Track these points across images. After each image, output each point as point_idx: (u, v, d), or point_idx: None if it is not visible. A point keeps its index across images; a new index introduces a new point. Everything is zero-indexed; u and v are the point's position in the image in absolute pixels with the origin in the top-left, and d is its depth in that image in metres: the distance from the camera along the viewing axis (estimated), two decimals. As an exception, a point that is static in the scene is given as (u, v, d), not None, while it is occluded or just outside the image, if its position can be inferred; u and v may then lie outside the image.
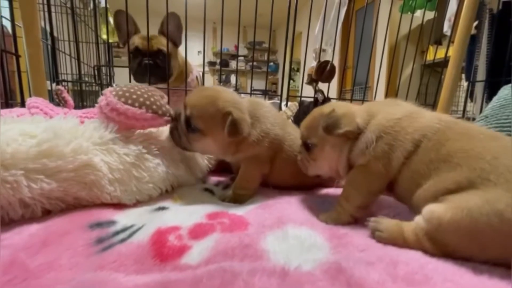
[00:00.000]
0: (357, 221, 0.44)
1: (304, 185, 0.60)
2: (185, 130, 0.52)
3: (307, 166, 0.49)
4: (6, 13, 1.00)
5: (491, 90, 1.36)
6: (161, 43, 1.13)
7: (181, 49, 1.18)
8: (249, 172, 0.55)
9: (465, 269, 0.30)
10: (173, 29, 1.15)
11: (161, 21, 1.16)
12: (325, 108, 0.46)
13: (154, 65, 1.11)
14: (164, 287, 0.26)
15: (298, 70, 4.35)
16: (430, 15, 1.90)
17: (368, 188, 0.43)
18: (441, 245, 0.32)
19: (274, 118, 0.56)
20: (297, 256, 0.33)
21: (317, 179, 0.59)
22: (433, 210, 0.33)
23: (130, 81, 1.10)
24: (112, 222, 0.40)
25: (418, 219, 0.35)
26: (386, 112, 0.43)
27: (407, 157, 0.39)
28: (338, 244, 0.37)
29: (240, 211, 0.46)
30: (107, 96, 0.50)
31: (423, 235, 0.34)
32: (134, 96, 0.50)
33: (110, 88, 0.52)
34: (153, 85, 1.12)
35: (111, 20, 1.85)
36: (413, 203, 0.38)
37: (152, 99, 0.52)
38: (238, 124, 0.47)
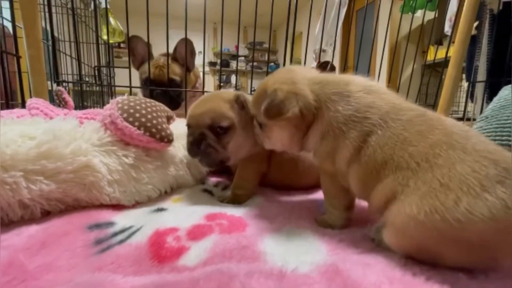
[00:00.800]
0: (354, 223, 0.44)
1: (303, 184, 0.60)
2: (215, 138, 0.50)
3: (263, 141, 0.47)
4: (7, 14, 1.00)
5: (491, 91, 1.36)
6: (173, 71, 1.14)
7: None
8: (247, 171, 0.56)
9: (463, 273, 0.30)
10: (187, 54, 1.17)
11: (175, 46, 1.19)
12: (270, 84, 0.41)
13: (167, 96, 1.12)
14: (161, 289, 0.26)
15: (298, 70, 4.34)
16: (430, 15, 1.89)
17: (336, 190, 0.42)
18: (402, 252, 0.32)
19: None
20: (295, 258, 0.33)
21: (317, 179, 0.58)
22: (387, 220, 0.33)
23: (130, 83, 1.11)
24: (110, 223, 0.40)
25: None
26: (337, 104, 0.38)
27: (349, 160, 0.36)
28: (336, 247, 0.37)
29: (238, 212, 0.46)
30: (112, 107, 0.50)
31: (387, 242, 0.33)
32: (137, 115, 0.50)
33: (118, 98, 0.52)
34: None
35: (111, 20, 1.86)
36: (372, 209, 0.37)
37: (154, 122, 0.51)
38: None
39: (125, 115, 0.49)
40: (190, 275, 0.28)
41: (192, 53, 1.20)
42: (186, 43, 1.14)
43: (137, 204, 0.49)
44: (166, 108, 0.57)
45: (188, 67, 1.20)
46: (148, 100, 0.54)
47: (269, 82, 0.42)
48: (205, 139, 0.50)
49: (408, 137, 0.33)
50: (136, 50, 1.13)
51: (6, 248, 0.32)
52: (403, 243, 0.31)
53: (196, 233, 0.38)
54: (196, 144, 0.51)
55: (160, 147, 0.52)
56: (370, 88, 0.38)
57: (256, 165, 0.56)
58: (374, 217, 0.39)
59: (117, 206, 0.46)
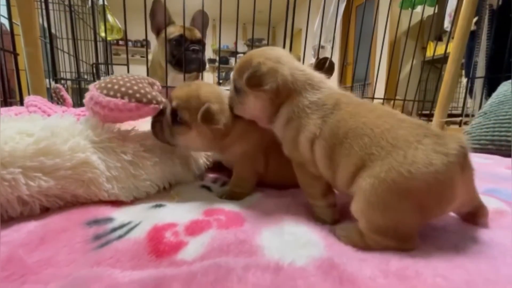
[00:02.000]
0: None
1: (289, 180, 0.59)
2: (170, 123, 0.52)
3: (234, 106, 0.51)
4: (3, 11, 0.99)
5: (490, 87, 1.36)
6: (199, 34, 1.20)
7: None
8: (243, 171, 0.56)
9: (455, 264, 0.30)
10: (198, 26, 1.21)
11: (192, 16, 1.21)
12: (256, 56, 0.45)
13: (199, 53, 1.18)
14: (159, 283, 0.26)
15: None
16: (430, 10, 1.89)
17: (308, 178, 0.44)
18: (381, 232, 0.34)
19: None
20: (292, 252, 0.33)
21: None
22: (353, 205, 0.36)
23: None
24: (109, 219, 0.40)
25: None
26: (305, 94, 0.43)
27: (312, 142, 0.40)
28: (333, 242, 0.37)
29: (236, 207, 0.47)
30: (91, 90, 0.49)
31: (367, 232, 0.35)
32: (116, 87, 0.48)
33: (94, 83, 0.51)
34: (191, 73, 1.17)
35: (109, 17, 1.84)
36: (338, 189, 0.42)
37: (135, 87, 0.49)
38: (213, 113, 0.48)
39: (105, 91, 0.48)
40: (188, 269, 0.28)
41: (206, 25, 1.26)
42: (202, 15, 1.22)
43: (135, 200, 0.49)
44: (146, 77, 0.55)
45: (204, 44, 1.27)
46: (125, 74, 0.53)
47: (255, 54, 0.46)
48: (162, 118, 0.53)
49: (359, 112, 0.39)
50: (157, 14, 1.16)
51: (5, 244, 0.32)
52: (369, 207, 0.33)
53: (194, 228, 0.38)
54: (157, 115, 0.53)
55: (152, 111, 0.51)
56: (333, 87, 0.46)
57: (251, 164, 0.56)
58: (342, 194, 0.42)
59: (116, 202, 0.47)
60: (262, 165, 0.56)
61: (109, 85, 0.49)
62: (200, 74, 1.31)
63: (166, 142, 0.54)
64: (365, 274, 0.29)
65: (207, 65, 1.44)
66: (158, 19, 1.17)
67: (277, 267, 0.29)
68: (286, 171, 0.56)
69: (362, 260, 0.32)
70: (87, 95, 0.49)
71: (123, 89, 0.48)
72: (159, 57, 1.22)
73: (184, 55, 1.14)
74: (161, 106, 0.51)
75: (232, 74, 0.50)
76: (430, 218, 0.37)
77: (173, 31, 1.17)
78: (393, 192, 0.32)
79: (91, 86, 0.50)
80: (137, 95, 0.48)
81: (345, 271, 0.29)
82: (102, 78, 0.54)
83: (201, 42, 1.21)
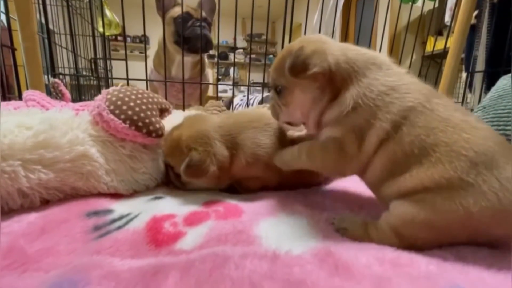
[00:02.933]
0: (350, 210, 0.45)
1: (301, 183, 0.56)
2: (175, 177, 0.52)
3: (278, 112, 0.44)
4: (1, 5, 0.99)
5: (490, 81, 1.36)
6: (204, 14, 1.19)
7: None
8: (250, 185, 0.54)
9: (449, 254, 0.31)
10: (207, 11, 1.20)
11: (198, 1, 1.21)
12: (295, 44, 0.39)
13: (205, 28, 1.17)
14: (157, 270, 0.27)
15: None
16: (430, 5, 1.87)
17: (332, 166, 0.39)
18: (410, 240, 0.32)
19: (262, 135, 0.51)
20: (289, 241, 0.34)
21: (315, 179, 0.57)
22: (405, 210, 0.32)
23: (127, 75, 1.10)
24: (109, 211, 0.41)
25: (386, 215, 0.34)
26: (374, 75, 0.35)
27: (383, 140, 0.33)
28: (330, 232, 0.37)
29: (235, 200, 0.47)
30: (101, 97, 0.49)
31: (390, 230, 0.33)
32: (124, 107, 0.48)
33: (110, 89, 0.51)
34: (197, 53, 1.16)
35: (107, 12, 1.83)
36: (381, 193, 0.36)
37: (141, 115, 0.48)
38: (196, 165, 0.45)
39: (112, 107, 0.47)
40: (186, 257, 0.29)
41: (213, 11, 1.24)
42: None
43: (135, 193, 0.50)
44: (161, 100, 0.55)
45: (209, 23, 1.25)
46: (141, 91, 0.53)
47: (294, 43, 0.40)
48: (168, 173, 0.53)
49: (459, 124, 0.31)
50: None
51: (6, 234, 0.33)
52: (440, 228, 0.31)
53: (193, 219, 0.38)
54: (165, 168, 0.54)
55: (148, 142, 0.51)
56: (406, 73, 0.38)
57: (259, 182, 0.53)
58: (383, 203, 0.37)
59: (115, 195, 0.47)
60: (272, 181, 0.53)
61: (119, 103, 0.48)
62: (205, 64, 1.30)
63: (185, 190, 0.52)
64: (361, 262, 0.29)
65: (206, 61, 1.42)
66: (163, 0, 1.16)
67: (274, 255, 0.29)
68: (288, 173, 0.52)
69: (358, 249, 0.33)
70: (96, 101, 0.49)
71: (129, 112, 0.48)
72: (166, 39, 1.20)
73: (191, 32, 1.11)
74: (157, 141, 0.51)
75: (269, 78, 0.44)
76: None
77: (178, 10, 1.17)
78: (467, 224, 0.29)
79: (104, 93, 0.50)
80: (139, 123, 0.48)
81: (341, 259, 0.29)
82: (120, 85, 0.53)
83: (206, 21, 1.20)
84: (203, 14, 1.17)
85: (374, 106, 0.34)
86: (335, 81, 0.36)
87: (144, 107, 0.50)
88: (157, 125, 0.50)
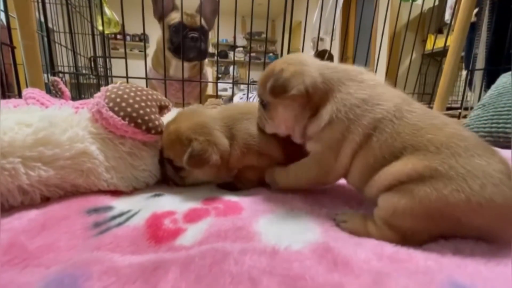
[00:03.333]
0: (349, 205, 0.45)
1: None
2: (173, 171, 0.51)
3: (264, 124, 0.48)
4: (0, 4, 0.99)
5: (489, 79, 1.36)
6: (200, 22, 1.17)
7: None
8: (247, 175, 0.54)
9: (447, 249, 0.31)
10: (209, 13, 1.18)
11: (199, 3, 1.19)
12: (277, 65, 0.42)
13: (198, 42, 1.15)
14: (157, 266, 0.27)
15: (297, 61, 4.30)
16: (430, 3, 1.87)
17: (312, 180, 0.44)
18: (400, 230, 0.33)
19: (254, 126, 0.52)
20: (288, 237, 0.34)
21: None
22: (388, 200, 0.34)
23: (126, 73, 1.10)
24: (109, 208, 0.41)
25: (376, 209, 0.36)
26: (348, 90, 0.39)
27: (357, 150, 0.37)
28: (329, 228, 0.38)
29: (235, 197, 0.47)
30: (101, 94, 0.49)
31: (382, 223, 0.34)
32: (123, 104, 0.47)
33: (110, 86, 0.51)
34: (190, 62, 1.15)
35: (106, 10, 1.83)
36: (365, 193, 0.39)
37: (141, 112, 0.48)
38: (199, 155, 0.45)
39: (111, 104, 0.47)
40: (186, 253, 0.29)
41: (214, 13, 1.23)
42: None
43: (135, 190, 0.50)
44: (161, 97, 0.55)
45: (209, 25, 1.23)
46: (140, 88, 0.53)
47: (277, 63, 0.43)
48: (164, 167, 0.53)
49: (424, 127, 0.35)
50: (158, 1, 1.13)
51: (7, 231, 0.33)
52: (420, 214, 0.32)
53: (193, 216, 0.39)
54: (160, 164, 0.53)
55: (147, 139, 0.50)
56: (380, 82, 0.41)
57: (256, 172, 0.53)
58: (369, 200, 0.39)
59: (115, 192, 0.47)
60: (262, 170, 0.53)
61: (118, 100, 0.48)
62: (204, 63, 1.30)
63: (182, 185, 0.53)
64: (360, 257, 0.29)
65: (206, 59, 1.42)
66: (161, 4, 1.14)
67: (273, 251, 0.30)
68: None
69: (357, 244, 0.33)
70: (96, 98, 0.49)
71: (128, 109, 0.47)
72: (161, 44, 1.21)
73: (183, 42, 1.12)
74: (156, 138, 0.50)
75: (257, 90, 0.48)
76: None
77: (174, 17, 1.16)
78: (452, 214, 0.31)
79: (103, 90, 0.50)
80: (139, 120, 0.47)
81: (340, 254, 0.29)
82: (119, 82, 0.52)
83: (203, 30, 1.18)
84: (198, 21, 1.16)
85: (347, 120, 0.37)
86: (313, 100, 0.40)
87: (143, 104, 0.49)
88: (157, 122, 0.50)
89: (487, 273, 0.28)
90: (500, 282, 0.27)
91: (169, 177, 0.53)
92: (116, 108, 0.47)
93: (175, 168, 0.51)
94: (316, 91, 0.39)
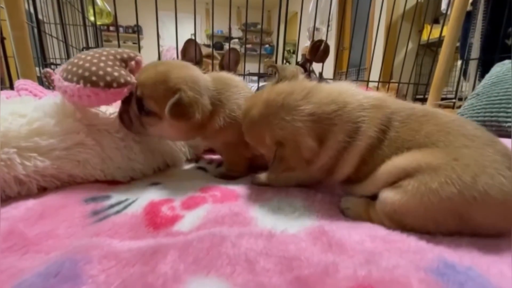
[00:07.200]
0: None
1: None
2: (137, 113, 0.46)
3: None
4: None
5: (484, 68, 1.36)
6: None
7: (172, 33, 1.16)
8: (231, 157, 0.54)
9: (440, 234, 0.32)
10: (231, 60, 1.27)
11: (223, 55, 1.29)
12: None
13: None
14: (156, 250, 0.28)
15: (294, 52, 4.27)
16: (427, -8, 1.85)
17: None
18: (400, 225, 0.33)
19: (241, 98, 0.50)
20: (284, 222, 0.35)
21: None
22: (387, 195, 0.34)
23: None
24: (106, 197, 0.41)
25: (378, 203, 0.35)
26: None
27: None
28: (325, 214, 0.38)
29: (232, 185, 0.48)
30: (59, 70, 0.45)
31: (382, 214, 0.35)
32: (74, 69, 0.42)
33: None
34: None
35: (98, 1, 1.78)
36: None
37: (93, 68, 0.42)
38: (185, 105, 0.42)
39: (64, 74, 0.43)
40: (184, 238, 0.30)
41: (237, 62, 1.30)
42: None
43: (132, 180, 0.50)
44: (121, 50, 0.47)
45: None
46: (100, 51, 0.45)
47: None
48: (128, 109, 0.47)
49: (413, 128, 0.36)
50: (188, 51, 1.20)
51: (5, 219, 0.33)
52: (413, 208, 0.32)
53: (190, 203, 0.39)
54: (124, 103, 0.47)
55: (114, 96, 0.43)
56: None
57: (237, 151, 0.52)
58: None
59: (113, 182, 0.47)
60: (249, 150, 0.51)
61: (69, 67, 0.43)
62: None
63: (138, 133, 0.49)
64: (354, 239, 0.30)
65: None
66: (187, 55, 1.20)
67: (270, 234, 0.30)
68: None
69: (352, 228, 0.34)
70: (53, 75, 0.45)
71: (80, 71, 0.42)
72: None
73: None
74: (125, 90, 0.43)
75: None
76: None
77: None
78: (444, 209, 0.30)
79: (61, 66, 0.46)
80: (93, 78, 0.41)
81: (335, 237, 0.30)
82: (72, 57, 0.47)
83: None
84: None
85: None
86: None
87: (95, 60, 0.43)
88: (116, 73, 0.42)
89: (477, 254, 0.28)
90: (489, 262, 0.27)
91: (129, 118, 0.47)
92: (69, 76, 0.42)
93: (142, 110, 0.46)
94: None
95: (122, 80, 0.43)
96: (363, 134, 0.37)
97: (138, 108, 0.46)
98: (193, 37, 1.22)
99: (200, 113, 0.44)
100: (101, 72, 0.42)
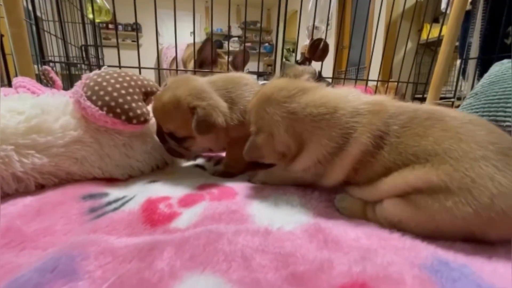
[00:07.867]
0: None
1: None
2: (176, 144, 0.50)
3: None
4: (-16, -10, 0.95)
5: (483, 68, 1.36)
6: None
7: (172, 31, 1.16)
8: (235, 153, 0.54)
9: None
10: (239, 62, 1.31)
11: (234, 55, 1.32)
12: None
13: None
14: (153, 247, 0.28)
15: (293, 50, 4.26)
16: (426, -9, 1.84)
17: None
18: (401, 230, 0.33)
19: (250, 95, 0.51)
20: (281, 219, 0.35)
21: None
22: (395, 206, 0.33)
23: (119, 63, 1.08)
24: (104, 194, 0.41)
25: (380, 208, 0.35)
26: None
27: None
28: (321, 211, 0.39)
29: (229, 183, 0.48)
30: (79, 83, 0.46)
31: (384, 221, 0.34)
32: (101, 93, 0.44)
33: (90, 73, 0.48)
34: None
35: (96, -2, 1.77)
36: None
37: (120, 100, 0.44)
38: (206, 118, 0.44)
39: (89, 93, 0.44)
40: (181, 235, 0.30)
41: (245, 62, 1.34)
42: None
43: (130, 178, 0.50)
44: (147, 82, 0.51)
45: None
46: (124, 73, 0.49)
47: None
48: (167, 142, 0.51)
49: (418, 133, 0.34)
50: (204, 51, 1.22)
51: (2, 216, 0.33)
52: (423, 223, 0.31)
53: (187, 200, 0.39)
54: (160, 141, 0.52)
55: (130, 129, 0.47)
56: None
57: (243, 147, 0.53)
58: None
59: (110, 180, 0.47)
60: None
61: (96, 88, 0.45)
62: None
63: (191, 156, 0.53)
64: (350, 236, 0.31)
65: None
66: (203, 54, 1.22)
67: (266, 231, 0.31)
68: None
69: (348, 225, 0.34)
70: (75, 86, 0.47)
71: (106, 98, 0.44)
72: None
73: None
74: (140, 128, 0.47)
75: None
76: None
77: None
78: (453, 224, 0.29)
79: (83, 78, 0.47)
80: (117, 110, 0.43)
81: (331, 234, 0.31)
82: (103, 68, 0.50)
83: None
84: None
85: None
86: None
87: (123, 91, 0.45)
88: (138, 111, 0.46)
89: (471, 252, 0.29)
90: (483, 260, 0.28)
91: (174, 150, 0.52)
92: (94, 97, 0.44)
93: (177, 140, 0.49)
94: (226, 115, 0.47)
95: (142, 119, 0.46)
96: (355, 140, 0.36)
97: (174, 140, 0.50)
98: (192, 36, 1.22)
99: (221, 115, 0.46)
100: (126, 107, 0.45)
